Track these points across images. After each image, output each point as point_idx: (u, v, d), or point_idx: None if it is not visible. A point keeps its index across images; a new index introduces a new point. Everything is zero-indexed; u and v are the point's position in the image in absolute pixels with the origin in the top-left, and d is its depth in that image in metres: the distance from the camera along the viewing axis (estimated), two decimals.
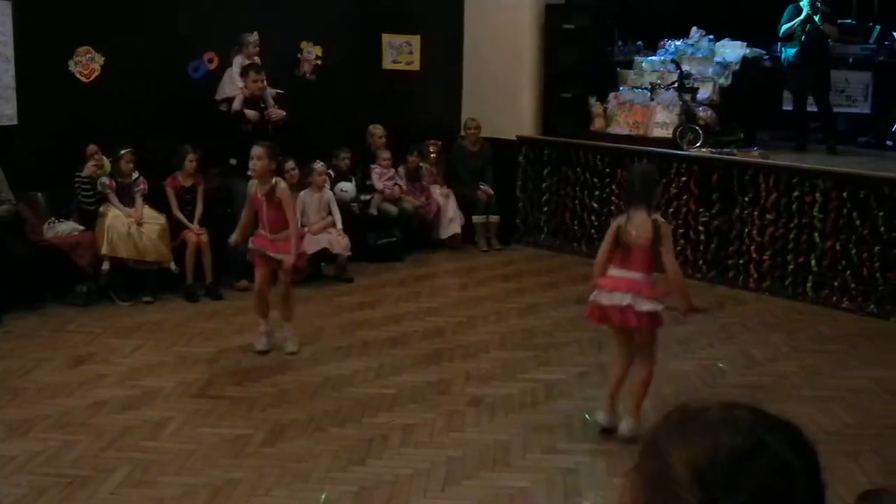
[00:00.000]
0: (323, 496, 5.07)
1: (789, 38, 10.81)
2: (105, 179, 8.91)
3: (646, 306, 5.64)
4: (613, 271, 5.74)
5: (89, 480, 5.22)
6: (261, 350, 7.47)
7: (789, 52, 10.90)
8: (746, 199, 9.59)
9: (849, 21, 12.10)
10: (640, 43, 12.22)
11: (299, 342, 7.60)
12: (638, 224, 5.66)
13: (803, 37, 10.69)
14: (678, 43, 11.70)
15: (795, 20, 10.62)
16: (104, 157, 8.98)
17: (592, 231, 11.05)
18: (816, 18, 10.57)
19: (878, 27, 11.88)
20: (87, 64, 9.40)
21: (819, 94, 11.00)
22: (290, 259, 7.34)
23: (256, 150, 7.32)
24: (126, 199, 8.93)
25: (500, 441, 5.86)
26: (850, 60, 11.78)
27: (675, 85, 10.85)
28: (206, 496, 5.06)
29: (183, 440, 5.81)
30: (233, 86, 9.59)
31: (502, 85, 11.90)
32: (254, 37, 9.70)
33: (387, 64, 11.94)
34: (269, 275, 7.52)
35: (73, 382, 6.75)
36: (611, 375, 6.05)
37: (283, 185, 7.44)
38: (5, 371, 6.96)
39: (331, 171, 10.14)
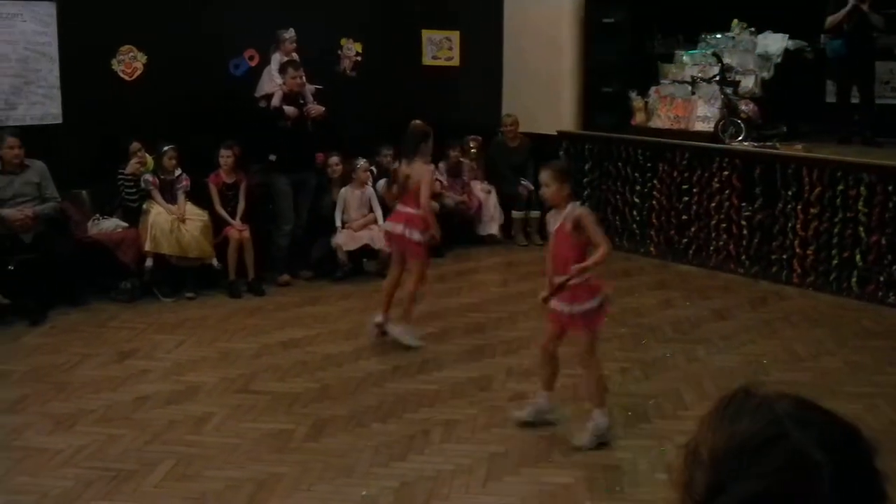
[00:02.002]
0: (363, 493, 5.09)
1: (835, 29, 10.66)
2: (148, 176, 8.99)
3: (415, 236, 7.39)
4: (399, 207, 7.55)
5: (134, 474, 5.27)
6: (522, 420, 6.04)
7: (835, 44, 10.74)
8: (789, 193, 9.49)
9: (895, 11, 11.92)
10: (680, 36, 12.12)
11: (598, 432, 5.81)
12: (415, 170, 7.41)
13: (845, 27, 10.55)
14: (719, 35, 11.60)
15: (842, 11, 10.47)
16: (147, 155, 9.06)
17: (634, 226, 11.00)
18: (865, 8, 10.43)
19: None
20: (129, 62, 9.49)
21: (863, 85, 10.87)
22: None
23: (542, 175, 5.85)
24: (169, 195, 9.01)
25: (541, 437, 5.85)
26: (895, 50, 11.60)
27: (717, 78, 10.75)
28: (249, 490, 5.10)
29: (226, 435, 5.85)
30: (272, 82, 9.63)
31: (542, 80, 11.87)
32: (290, 33, 9.74)
33: (426, 60, 11.96)
34: (563, 332, 5.97)
35: (117, 377, 6.82)
36: (385, 288, 7.82)
37: (579, 210, 5.75)
38: (51, 366, 7.05)
39: (373, 168, 10.17)
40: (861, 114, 10.90)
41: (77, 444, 5.65)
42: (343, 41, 11.06)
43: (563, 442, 5.78)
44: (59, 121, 9.08)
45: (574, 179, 11.43)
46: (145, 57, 9.56)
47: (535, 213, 11.46)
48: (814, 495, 1.20)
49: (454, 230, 10.96)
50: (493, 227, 11.26)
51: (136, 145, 9.01)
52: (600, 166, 11.37)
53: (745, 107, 10.56)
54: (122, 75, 9.48)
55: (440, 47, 12.05)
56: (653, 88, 11.47)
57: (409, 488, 5.15)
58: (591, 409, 5.84)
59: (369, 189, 9.87)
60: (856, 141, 10.56)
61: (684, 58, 11.55)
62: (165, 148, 9.00)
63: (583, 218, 5.67)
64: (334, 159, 9.77)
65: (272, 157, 9.50)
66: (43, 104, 8.97)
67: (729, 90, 10.62)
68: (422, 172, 7.45)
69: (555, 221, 5.81)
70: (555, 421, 6.03)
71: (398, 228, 7.50)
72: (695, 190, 10.35)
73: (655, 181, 10.76)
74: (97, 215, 9.01)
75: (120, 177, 9.00)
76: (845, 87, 10.97)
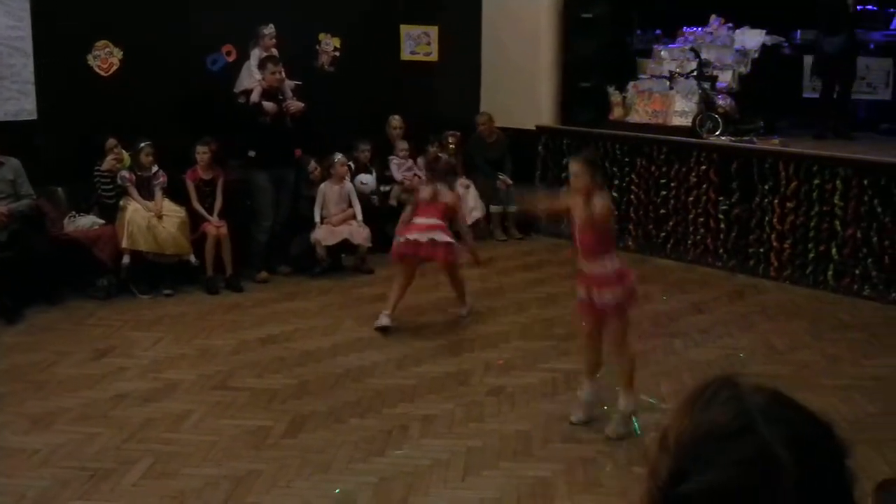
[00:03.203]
0: (336, 491, 5.08)
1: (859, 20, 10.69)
2: (125, 173, 8.94)
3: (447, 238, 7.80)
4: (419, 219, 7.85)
5: (111, 473, 5.24)
6: (576, 421, 5.96)
7: (835, 40, 10.74)
8: (766, 187, 9.54)
9: (870, 7, 12.01)
10: (658, 31, 12.16)
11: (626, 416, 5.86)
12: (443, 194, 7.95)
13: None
14: (697, 31, 11.64)
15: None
16: (123, 151, 9.02)
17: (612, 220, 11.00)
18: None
19: None
20: (105, 58, 9.44)
21: (848, 81, 10.96)
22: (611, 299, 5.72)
23: (573, 166, 5.80)
24: (145, 192, 8.96)
25: (520, 431, 5.86)
26: (872, 47, 11.68)
27: (694, 73, 10.80)
28: (227, 488, 5.08)
29: (204, 432, 5.83)
30: (251, 78, 9.59)
31: (521, 75, 11.88)
32: (269, 29, 9.71)
33: (405, 55, 11.94)
34: (599, 321, 5.90)
35: (94, 375, 6.79)
36: (399, 290, 7.90)
37: (600, 202, 5.71)
38: (27, 365, 7.00)
39: (351, 164, 10.16)
40: (839, 109, 10.97)
41: (54, 444, 5.62)
42: (321, 36, 11.04)
43: (540, 436, 5.79)
44: (34, 117, 9.01)
45: (551, 174, 11.61)
46: (121, 52, 9.51)
47: (512, 208, 11.48)
48: (775, 492, 1.20)
49: None
50: (475, 216, 11.23)
51: (111, 142, 8.96)
52: None
53: (723, 101, 10.61)
54: (98, 71, 9.42)
55: (418, 42, 12.03)
56: (631, 83, 11.51)
57: (388, 483, 5.15)
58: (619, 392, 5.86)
59: (348, 184, 9.86)
60: (829, 136, 10.63)
61: (662, 53, 11.59)
62: (142, 144, 8.95)
63: (602, 210, 5.67)
64: (312, 165, 9.76)
65: (251, 154, 9.46)
66: (17, 100, 8.90)
67: (706, 85, 10.67)
68: (451, 196, 8.12)
69: (578, 208, 5.76)
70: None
71: (434, 236, 7.73)
72: (672, 184, 10.39)
73: (633, 176, 10.79)
74: (73, 212, 8.96)
75: (96, 173, 8.95)
76: (833, 83, 11.00)
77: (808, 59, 11.90)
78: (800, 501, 1.20)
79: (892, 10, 12.02)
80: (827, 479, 1.24)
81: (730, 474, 1.20)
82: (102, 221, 8.92)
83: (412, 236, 7.73)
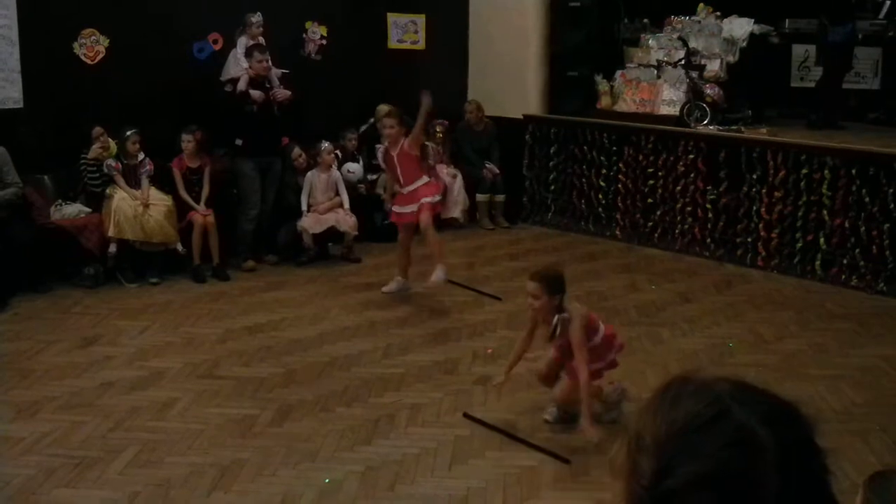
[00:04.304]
0: (326, 481, 5.08)
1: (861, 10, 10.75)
2: (111, 161, 8.90)
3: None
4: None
5: (97, 461, 5.23)
6: (550, 420, 5.85)
7: (847, 29, 10.76)
8: (754, 176, 9.55)
9: None
10: (646, 20, 12.14)
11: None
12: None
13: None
14: (685, 19, 11.63)
15: None
16: (110, 139, 8.98)
17: (599, 209, 11.03)
18: None
19: (888, 2, 11.77)
20: (91, 46, 9.38)
21: (845, 71, 10.98)
22: None
23: (529, 285, 5.59)
24: (132, 180, 8.92)
25: (507, 420, 5.86)
26: (860, 36, 11.69)
27: (682, 62, 10.79)
28: (213, 476, 5.07)
29: (190, 420, 5.82)
30: (238, 67, 9.56)
31: (508, 64, 11.86)
32: (257, 17, 9.67)
33: (392, 43, 11.90)
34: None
35: (80, 364, 6.77)
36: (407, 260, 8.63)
37: (576, 327, 5.50)
38: (14, 353, 6.98)
39: (338, 152, 10.13)
40: (831, 99, 10.98)
41: (40, 432, 5.60)
42: (308, 24, 10.99)
43: (527, 425, 5.79)
44: (21, 105, 8.96)
45: (539, 163, 11.57)
46: (108, 40, 9.45)
47: (500, 197, 11.48)
48: (759, 472, 1.20)
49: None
50: (455, 212, 11.20)
51: (98, 130, 8.92)
52: (566, 150, 11.39)
53: (711, 90, 10.60)
54: (84, 59, 9.37)
55: (406, 31, 12.00)
56: (618, 72, 11.51)
57: (374, 472, 5.15)
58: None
59: (335, 172, 9.83)
60: (820, 125, 10.64)
61: (650, 42, 11.57)
62: (129, 133, 8.90)
63: (573, 336, 5.49)
64: (296, 152, 9.71)
65: (238, 142, 9.43)
66: (3, 88, 8.84)
67: (694, 74, 10.66)
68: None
69: (546, 333, 5.68)
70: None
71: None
72: (660, 173, 10.39)
73: (621, 165, 10.79)
74: (60, 201, 8.92)
75: (83, 162, 8.91)
76: (833, 73, 11.00)
77: (796, 48, 11.90)
78: (782, 479, 1.20)
79: None
80: (803, 454, 1.25)
81: (714, 461, 1.20)
82: (89, 210, 8.89)
83: (434, 199, 8.51)
